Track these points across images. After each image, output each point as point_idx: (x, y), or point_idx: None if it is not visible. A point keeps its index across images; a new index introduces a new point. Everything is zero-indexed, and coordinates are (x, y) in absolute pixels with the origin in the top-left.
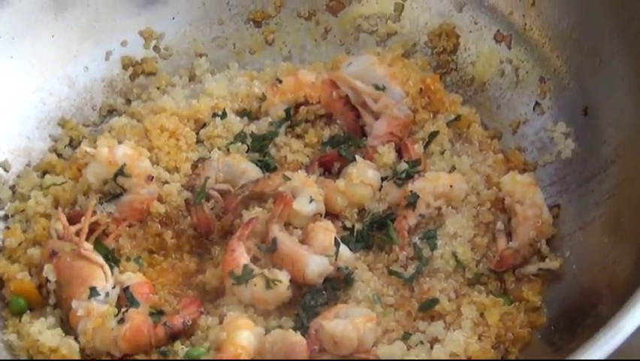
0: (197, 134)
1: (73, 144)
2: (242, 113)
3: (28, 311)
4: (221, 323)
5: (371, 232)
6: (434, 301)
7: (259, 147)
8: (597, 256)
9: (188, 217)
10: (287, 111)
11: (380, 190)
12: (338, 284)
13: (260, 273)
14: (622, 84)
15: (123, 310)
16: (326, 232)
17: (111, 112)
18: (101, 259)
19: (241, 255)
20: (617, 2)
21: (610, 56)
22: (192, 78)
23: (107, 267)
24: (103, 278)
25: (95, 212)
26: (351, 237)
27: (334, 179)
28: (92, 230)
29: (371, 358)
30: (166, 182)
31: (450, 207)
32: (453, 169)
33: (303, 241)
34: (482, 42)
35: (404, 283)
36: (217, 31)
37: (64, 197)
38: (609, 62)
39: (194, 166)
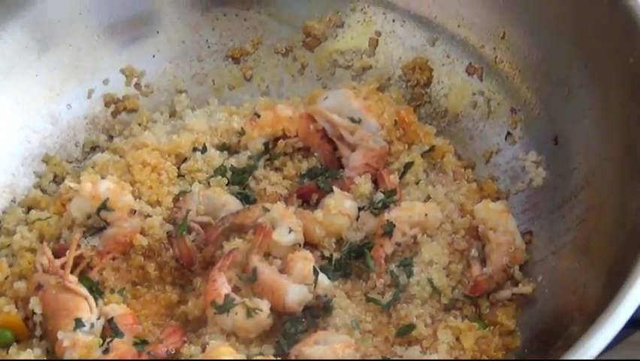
0: (178, 168)
1: (57, 180)
2: (222, 147)
3: (15, 343)
4: (203, 351)
5: (349, 260)
6: (411, 327)
7: (239, 180)
8: (569, 280)
9: (171, 249)
10: (265, 145)
11: (357, 220)
12: (317, 312)
13: (241, 302)
14: (590, 113)
15: (108, 340)
16: (305, 262)
17: (94, 148)
18: (85, 292)
19: (222, 285)
20: (583, 35)
21: (578, 86)
22: (173, 114)
23: (91, 299)
24: (88, 310)
25: (79, 246)
26: (329, 266)
27: (312, 210)
28: (76, 263)
29: None
30: (148, 215)
31: (425, 236)
32: (428, 198)
33: (282, 271)
34: (455, 75)
35: (382, 310)
36: (196, 68)
37: (49, 231)
38: (577, 93)
39: (176, 200)
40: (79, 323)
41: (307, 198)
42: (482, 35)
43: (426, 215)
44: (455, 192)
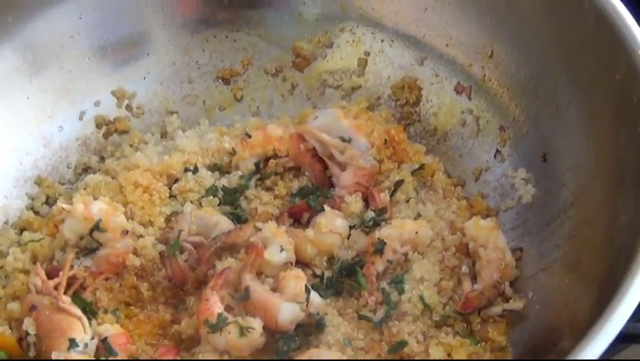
0: (170, 189)
1: (50, 201)
2: (213, 167)
3: None
4: None
5: (340, 278)
6: (403, 344)
7: (230, 200)
8: (559, 295)
9: (163, 269)
10: (256, 165)
11: (348, 238)
12: (310, 330)
13: (234, 321)
14: (578, 130)
15: (102, 360)
16: (297, 280)
17: (86, 170)
18: (79, 312)
19: (215, 304)
20: (570, 54)
21: (566, 104)
22: (164, 135)
23: (85, 319)
24: (81, 330)
25: (72, 266)
26: (321, 284)
27: (304, 229)
28: (69, 284)
29: None
30: (141, 236)
31: (416, 253)
32: (418, 216)
33: (274, 289)
34: (443, 93)
35: (373, 327)
36: (187, 89)
37: (42, 253)
38: (565, 110)
39: (168, 220)
40: (73, 343)
41: (298, 217)
42: (470, 54)
43: (416, 233)
44: (445, 209)
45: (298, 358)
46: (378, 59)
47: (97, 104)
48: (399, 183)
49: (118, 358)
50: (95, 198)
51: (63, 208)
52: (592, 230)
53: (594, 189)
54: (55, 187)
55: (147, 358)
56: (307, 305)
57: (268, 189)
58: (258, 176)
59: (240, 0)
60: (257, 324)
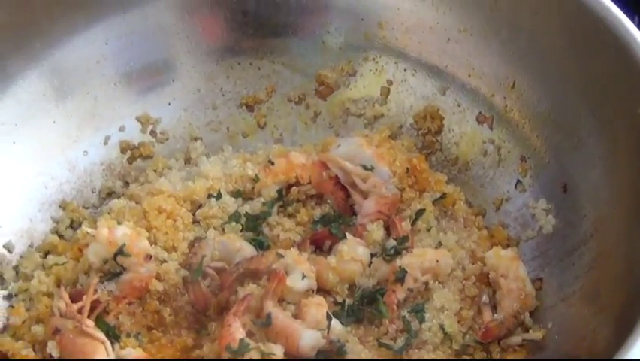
0: (193, 214)
1: (74, 225)
2: (236, 194)
3: None
4: None
5: (361, 306)
6: None
7: (253, 227)
8: (578, 326)
9: (186, 295)
10: (279, 192)
11: (370, 266)
12: (330, 357)
13: (255, 347)
14: (599, 162)
15: None
16: (318, 307)
17: (110, 194)
18: (102, 336)
19: (237, 330)
20: (591, 86)
21: (587, 135)
22: (188, 161)
23: (108, 343)
24: (104, 354)
25: (96, 290)
26: (342, 311)
27: (325, 256)
28: (93, 308)
29: None
30: (164, 261)
31: (437, 282)
32: (439, 245)
33: (296, 316)
34: (465, 123)
35: (394, 355)
36: (211, 115)
37: (65, 276)
38: (586, 142)
39: (191, 245)
40: None
41: (320, 244)
42: (492, 85)
43: (437, 262)
44: (466, 239)
45: None
46: (401, 88)
47: (122, 129)
48: (420, 212)
49: None
50: (119, 223)
51: (87, 232)
52: (611, 261)
53: (614, 221)
54: (79, 211)
55: None
56: (328, 332)
57: (290, 216)
58: (281, 203)
59: (265, 28)
60: (278, 350)
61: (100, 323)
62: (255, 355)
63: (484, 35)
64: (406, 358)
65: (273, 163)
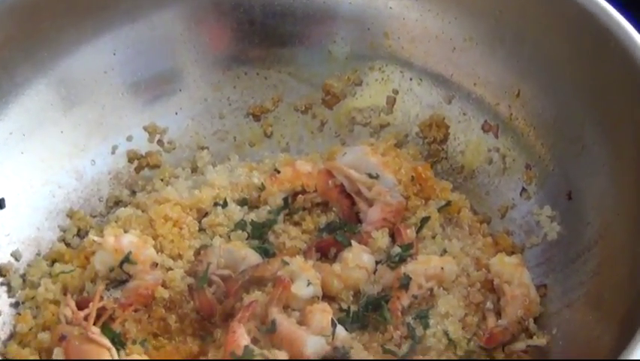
0: (199, 223)
1: (81, 233)
2: (242, 202)
3: None
4: None
5: (366, 312)
6: None
7: (259, 234)
8: (582, 332)
9: (191, 302)
10: (285, 200)
11: (374, 273)
12: None
13: (260, 353)
14: (603, 170)
15: None
16: (323, 314)
17: (117, 203)
18: (108, 343)
19: (242, 336)
20: (596, 95)
21: (591, 143)
22: (194, 170)
23: (114, 350)
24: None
25: (102, 298)
26: (347, 318)
27: (331, 263)
28: (99, 315)
29: None
30: (170, 268)
31: (441, 289)
32: (444, 252)
33: (301, 323)
34: (471, 132)
35: None
36: (218, 125)
37: (72, 284)
38: (591, 149)
39: (197, 253)
40: None
41: (326, 251)
42: (497, 93)
43: (442, 268)
44: (471, 246)
45: None
46: (407, 97)
47: (129, 138)
48: (425, 220)
49: None
50: (126, 231)
51: (94, 241)
52: (616, 268)
53: (618, 228)
54: (86, 220)
55: None
56: (333, 339)
57: (296, 223)
58: (287, 211)
59: (271, 38)
60: (283, 356)
61: (106, 330)
62: None
63: (490, 44)
64: None
65: (279, 172)
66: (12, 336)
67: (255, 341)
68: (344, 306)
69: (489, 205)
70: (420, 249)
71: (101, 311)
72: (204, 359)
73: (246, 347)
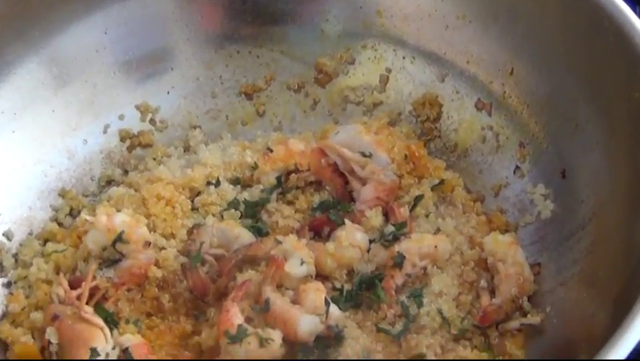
0: (192, 202)
1: (73, 213)
2: (235, 181)
3: None
4: None
5: (360, 291)
6: (421, 357)
7: (252, 213)
8: (576, 310)
9: (184, 281)
10: (278, 179)
11: (368, 252)
12: (329, 342)
13: (254, 332)
14: (597, 147)
15: None
16: (317, 293)
17: (109, 182)
18: (101, 322)
19: (235, 315)
20: (590, 72)
21: (585, 121)
22: (187, 149)
23: (106, 329)
24: (103, 340)
25: (94, 277)
26: (340, 297)
27: (324, 242)
28: (92, 294)
29: None
30: (163, 248)
31: (435, 267)
32: (437, 231)
33: (294, 302)
34: (464, 110)
35: (392, 340)
36: (210, 104)
37: (65, 263)
38: (584, 127)
39: (190, 232)
40: (94, 353)
41: (319, 230)
42: (491, 71)
43: (436, 247)
44: (465, 224)
45: None
46: (400, 75)
47: (121, 117)
48: (419, 198)
49: None
50: (118, 211)
51: (86, 220)
52: (609, 246)
53: (612, 206)
54: (78, 199)
55: None
56: (327, 318)
57: (289, 202)
58: (280, 190)
59: (264, 16)
60: (276, 336)
61: (99, 309)
62: (253, 340)
63: (483, 22)
64: (403, 342)
65: (271, 150)
66: (4, 316)
67: (248, 320)
68: (338, 285)
69: (483, 183)
70: (413, 227)
71: (93, 291)
72: (198, 338)
73: (240, 326)
